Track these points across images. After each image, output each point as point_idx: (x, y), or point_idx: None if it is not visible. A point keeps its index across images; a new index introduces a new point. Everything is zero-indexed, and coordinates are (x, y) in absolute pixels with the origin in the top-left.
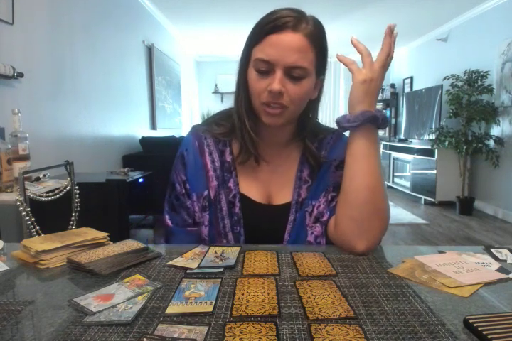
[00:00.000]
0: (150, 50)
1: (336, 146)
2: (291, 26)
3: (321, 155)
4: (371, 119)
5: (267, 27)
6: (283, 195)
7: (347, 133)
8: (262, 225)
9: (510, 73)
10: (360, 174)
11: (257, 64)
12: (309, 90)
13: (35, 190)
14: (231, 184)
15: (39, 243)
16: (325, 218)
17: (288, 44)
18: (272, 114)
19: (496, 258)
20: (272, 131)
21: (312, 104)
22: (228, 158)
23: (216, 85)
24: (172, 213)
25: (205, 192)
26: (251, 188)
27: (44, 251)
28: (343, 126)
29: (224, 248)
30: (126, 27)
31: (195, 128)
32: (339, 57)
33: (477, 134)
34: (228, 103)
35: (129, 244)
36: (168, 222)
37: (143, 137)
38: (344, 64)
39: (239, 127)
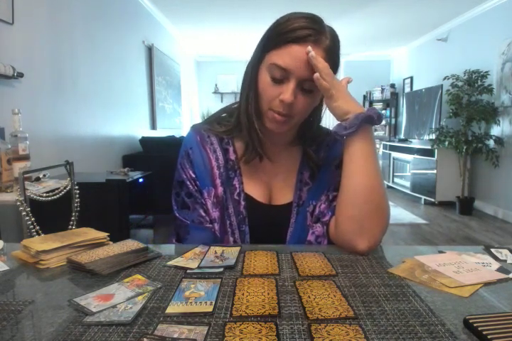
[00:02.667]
0: (150, 50)
1: (334, 146)
2: (313, 40)
3: (320, 158)
4: (367, 120)
5: (289, 36)
6: (284, 196)
7: None
8: (265, 225)
9: (510, 73)
10: (359, 173)
11: (272, 69)
12: (316, 101)
13: (35, 190)
14: (236, 182)
15: (39, 243)
16: (326, 218)
17: (308, 58)
18: (277, 121)
19: (496, 258)
20: (274, 133)
21: (314, 111)
22: (232, 157)
23: (216, 85)
24: (185, 211)
25: (213, 190)
26: (253, 187)
27: (44, 251)
28: (341, 135)
29: (224, 248)
30: (126, 27)
31: (196, 127)
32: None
33: (477, 134)
34: (228, 103)
35: (129, 244)
36: (183, 219)
37: (143, 137)
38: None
39: (247, 127)
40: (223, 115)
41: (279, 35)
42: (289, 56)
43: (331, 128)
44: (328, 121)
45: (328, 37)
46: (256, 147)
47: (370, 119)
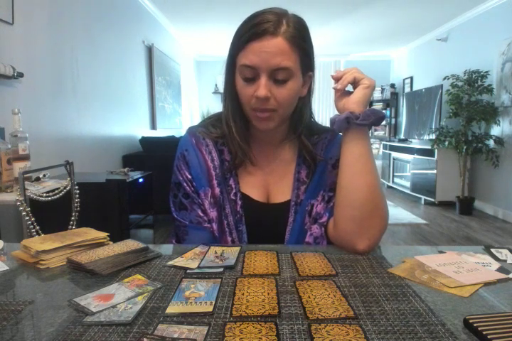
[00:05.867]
0: (150, 50)
1: (331, 145)
2: (271, 31)
3: (316, 153)
4: (381, 119)
5: (248, 34)
6: (281, 194)
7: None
8: (263, 223)
9: (510, 73)
10: (360, 173)
11: (242, 70)
12: (296, 91)
13: (35, 190)
14: (232, 182)
15: (39, 243)
16: (324, 219)
17: (269, 48)
18: (261, 119)
19: (496, 258)
20: (264, 132)
21: (303, 101)
22: (227, 157)
23: (216, 85)
24: (183, 212)
25: (209, 190)
26: (250, 187)
27: (44, 251)
28: (354, 123)
29: (224, 248)
30: (126, 27)
31: (191, 129)
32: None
33: (477, 134)
34: None
35: (129, 244)
36: (182, 220)
37: (143, 137)
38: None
39: (227, 134)
40: (217, 118)
41: (240, 38)
42: (253, 53)
43: (327, 126)
44: (326, 115)
45: (291, 25)
46: (240, 154)
47: (381, 120)
